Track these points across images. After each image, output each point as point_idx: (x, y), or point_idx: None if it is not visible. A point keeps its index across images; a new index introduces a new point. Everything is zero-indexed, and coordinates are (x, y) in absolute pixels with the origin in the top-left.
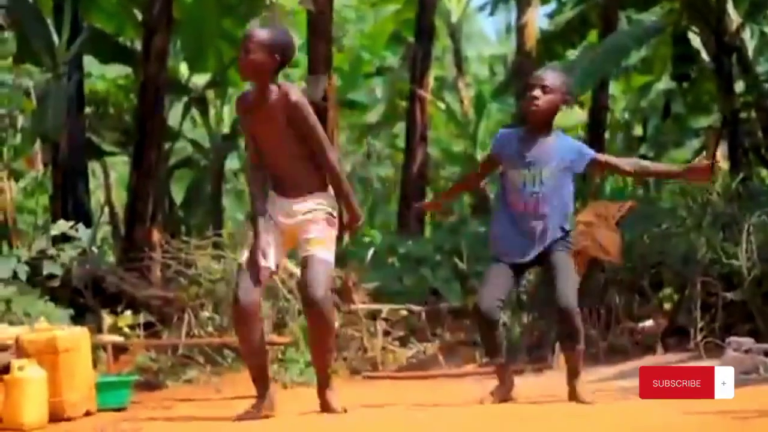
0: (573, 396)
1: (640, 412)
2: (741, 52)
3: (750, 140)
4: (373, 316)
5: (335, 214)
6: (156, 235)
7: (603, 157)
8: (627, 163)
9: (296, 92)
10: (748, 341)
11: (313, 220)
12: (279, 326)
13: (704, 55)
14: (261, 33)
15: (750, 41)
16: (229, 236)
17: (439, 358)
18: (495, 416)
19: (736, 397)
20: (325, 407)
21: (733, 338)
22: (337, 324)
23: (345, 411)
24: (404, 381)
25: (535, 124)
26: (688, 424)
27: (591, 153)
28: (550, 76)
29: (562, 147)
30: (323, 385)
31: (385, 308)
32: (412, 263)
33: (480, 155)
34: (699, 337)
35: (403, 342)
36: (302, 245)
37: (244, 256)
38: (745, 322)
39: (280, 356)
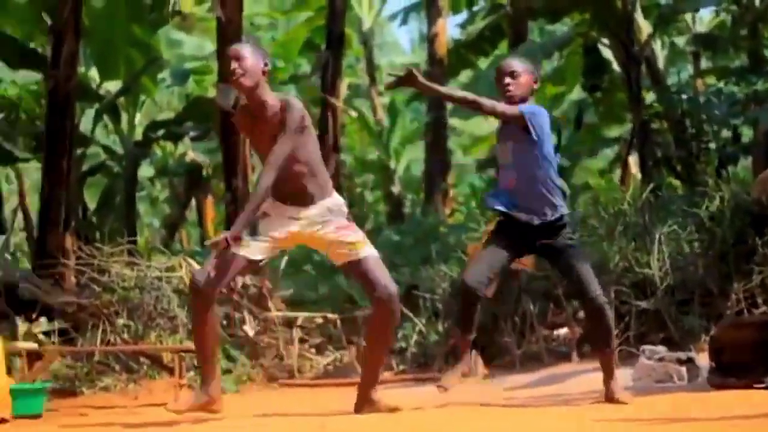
0: (611, 397)
1: (554, 419)
2: (651, 63)
3: (661, 150)
4: (290, 323)
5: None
6: (69, 242)
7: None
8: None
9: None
10: (661, 349)
11: (340, 225)
12: None
13: (615, 66)
14: (246, 50)
15: (661, 52)
16: (145, 243)
17: (356, 365)
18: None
19: (650, 403)
20: (375, 406)
21: (646, 346)
22: (252, 332)
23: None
24: (321, 388)
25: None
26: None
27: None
28: (515, 62)
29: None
30: (371, 384)
31: (301, 316)
32: (327, 271)
33: (392, 163)
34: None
35: (320, 349)
36: (341, 249)
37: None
38: (659, 331)
39: None
